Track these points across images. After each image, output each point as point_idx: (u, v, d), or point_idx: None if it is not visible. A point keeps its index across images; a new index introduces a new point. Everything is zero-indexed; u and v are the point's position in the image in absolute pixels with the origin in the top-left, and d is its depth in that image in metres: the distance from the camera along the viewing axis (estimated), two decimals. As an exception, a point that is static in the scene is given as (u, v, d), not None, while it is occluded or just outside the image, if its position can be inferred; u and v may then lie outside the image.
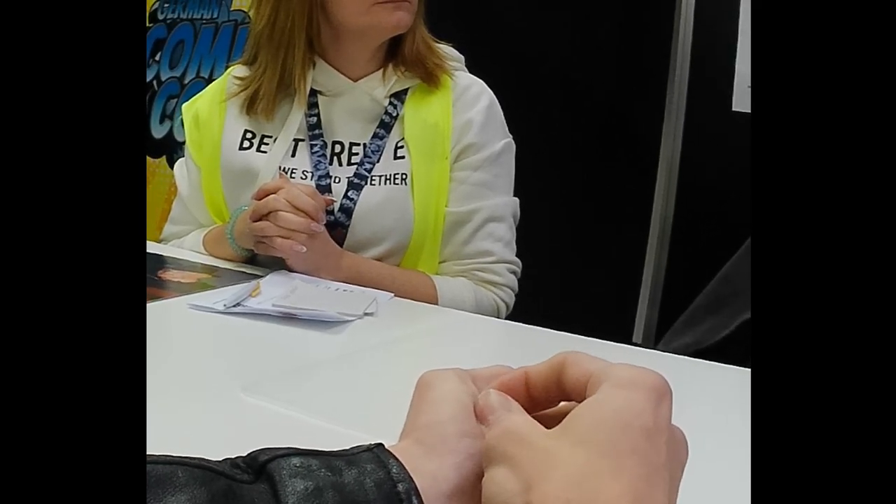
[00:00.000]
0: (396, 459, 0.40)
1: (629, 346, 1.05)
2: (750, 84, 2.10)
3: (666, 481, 0.37)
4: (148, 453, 0.37)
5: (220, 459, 0.39)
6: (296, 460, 0.39)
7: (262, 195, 1.19)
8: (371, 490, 0.38)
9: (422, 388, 0.47)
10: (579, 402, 0.41)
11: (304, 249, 1.17)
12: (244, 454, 0.41)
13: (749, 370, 0.87)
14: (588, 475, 0.36)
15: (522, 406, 0.44)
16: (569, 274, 2.39)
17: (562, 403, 0.45)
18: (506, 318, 1.35)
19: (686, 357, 0.96)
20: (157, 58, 3.12)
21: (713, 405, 0.74)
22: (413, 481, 0.39)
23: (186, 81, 3.05)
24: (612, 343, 1.01)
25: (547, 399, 0.44)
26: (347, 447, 0.43)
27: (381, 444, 0.42)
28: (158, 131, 3.08)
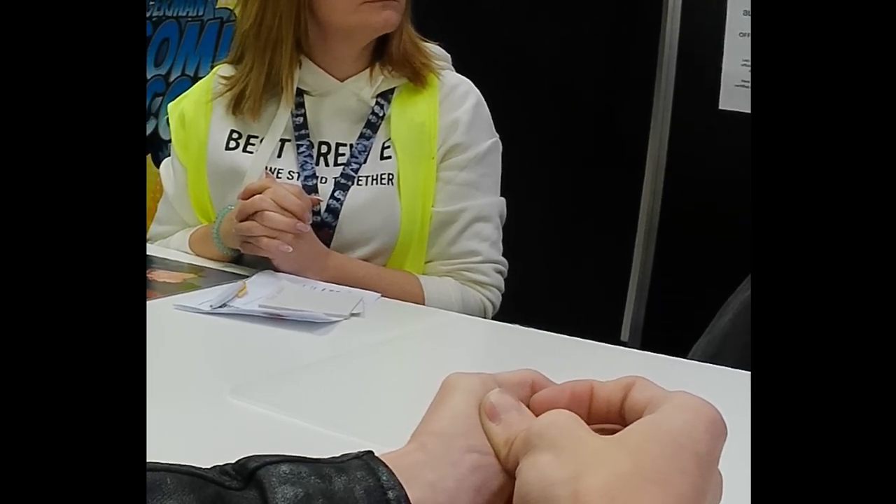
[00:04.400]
0: (386, 467, 0.40)
1: (618, 346, 1.05)
2: (737, 83, 2.11)
3: None
4: None
5: (210, 466, 0.39)
6: (285, 467, 0.39)
7: (248, 195, 1.19)
8: (361, 498, 0.38)
9: (444, 390, 0.46)
10: None
11: (291, 249, 1.16)
12: (232, 458, 0.41)
13: (747, 373, 0.87)
14: (635, 481, 0.36)
15: (582, 415, 0.44)
16: (556, 273, 2.40)
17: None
18: (493, 318, 1.35)
19: (681, 359, 0.96)
20: (142, 55, 3.10)
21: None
22: (403, 489, 0.39)
23: (171, 79, 3.04)
24: (600, 343, 1.01)
25: (607, 416, 0.44)
26: (337, 454, 0.42)
27: (370, 452, 0.42)
28: (143, 129, 3.07)
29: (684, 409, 0.40)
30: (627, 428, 0.40)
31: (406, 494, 0.39)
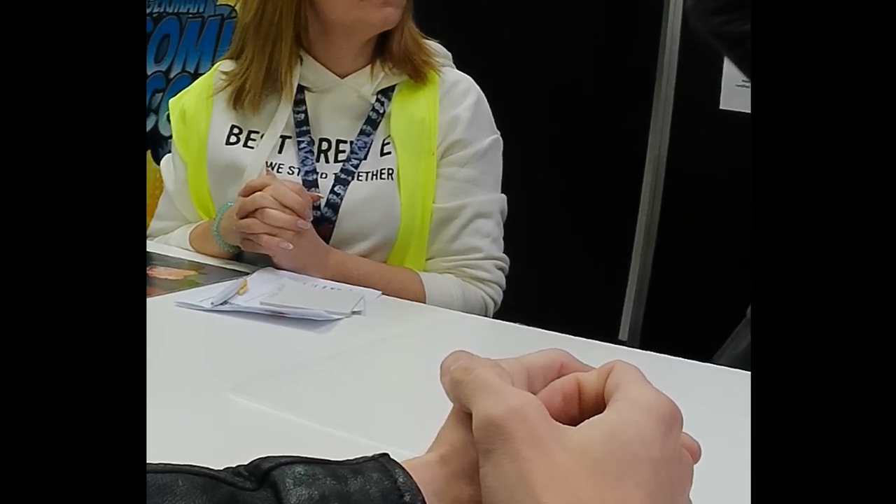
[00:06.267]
0: (403, 469, 0.40)
1: (615, 344, 1.05)
2: (738, 83, 2.11)
3: None
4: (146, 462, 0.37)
5: (210, 464, 0.39)
6: (300, 468, 0.39)
7: (249, 192, 1.19)
8: (377, 499, 0.38)
9: None
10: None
11: (291, 247, 1.16)
12: (233, 455, 0.41)
13: (747, 373, 0.87)
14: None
15: (574, 413, 0.44)
16: (555, 272, 2.40)
17: None
18: (493, 316, 1.35)
19: (679, 358, 0.96)
20: (142, 51, 3.10)
21: (707, 406, 0.74)
22: (420, 492, 0.39)
23: (172, 76, 3.03)
24: (598, 342, 1.01)
25: (596, 406, 0.44)
26: (337, 451, 0.42)
27: (386, 454, 0.41)
28: (143, 125, 3.07)
29: (637, 408, 0.40)
30: (587, 434, 0.40)
31: (423, 498, 0.39)
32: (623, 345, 1.13)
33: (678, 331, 2.20)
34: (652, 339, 2.25)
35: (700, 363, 0.97)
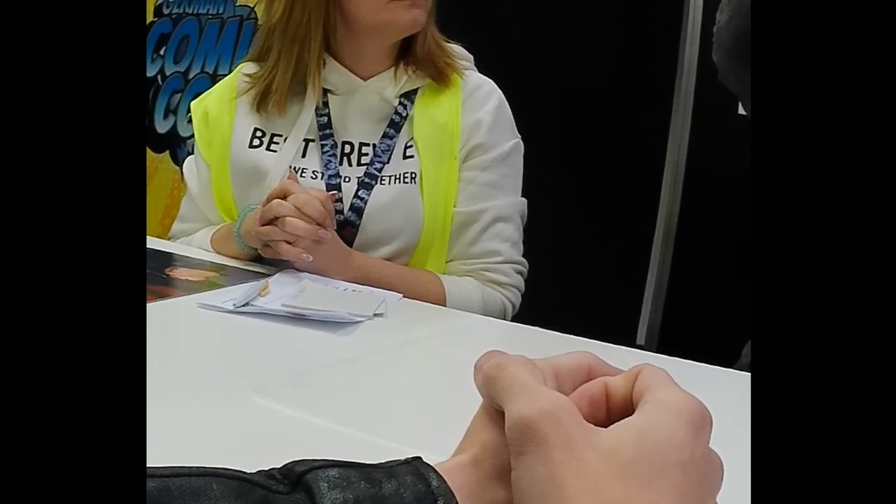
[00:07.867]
0: (436, 472, 0.40)
1: (633, 348, 1.05)
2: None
3: None
4: (179, 465, 0.36)
5: (255, 471, 0.39)
6: (334, 472, 0.39)
7: (271, 199, 1.19)
8: (410, 503, 0.38)
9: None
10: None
11: (311, 258, 1.17)
12: (257, 456, 0.41)
13: (749, 374, 0.87)
14: None
15: (602, 417, 0.44)
16: (573, 275, 2.39)
17: None
18: (510, 320, 1.35)
19: (687, 360, 0.96)
20: (161, 52, 3.12)
21: (726, 411, 0.74)
22: (454, 496, 0.39)
23: (191, 77, 3.04)
24: (616, 346, 1.01)
25: (624, 410, 0.44)
26: (360, 453, 0.42)
27: (419, 458, 0.42)
28: (162, 126, 3.08)
29: (667, 411, 0.40)
30: (618, 436, 0.40)
31: (457, 501, 0.39)
32: (641, 349, 1.13)
33: (696, 335, 2.19)
34: (670, 343, 2.24)
35: (718, 367, 0.97)
